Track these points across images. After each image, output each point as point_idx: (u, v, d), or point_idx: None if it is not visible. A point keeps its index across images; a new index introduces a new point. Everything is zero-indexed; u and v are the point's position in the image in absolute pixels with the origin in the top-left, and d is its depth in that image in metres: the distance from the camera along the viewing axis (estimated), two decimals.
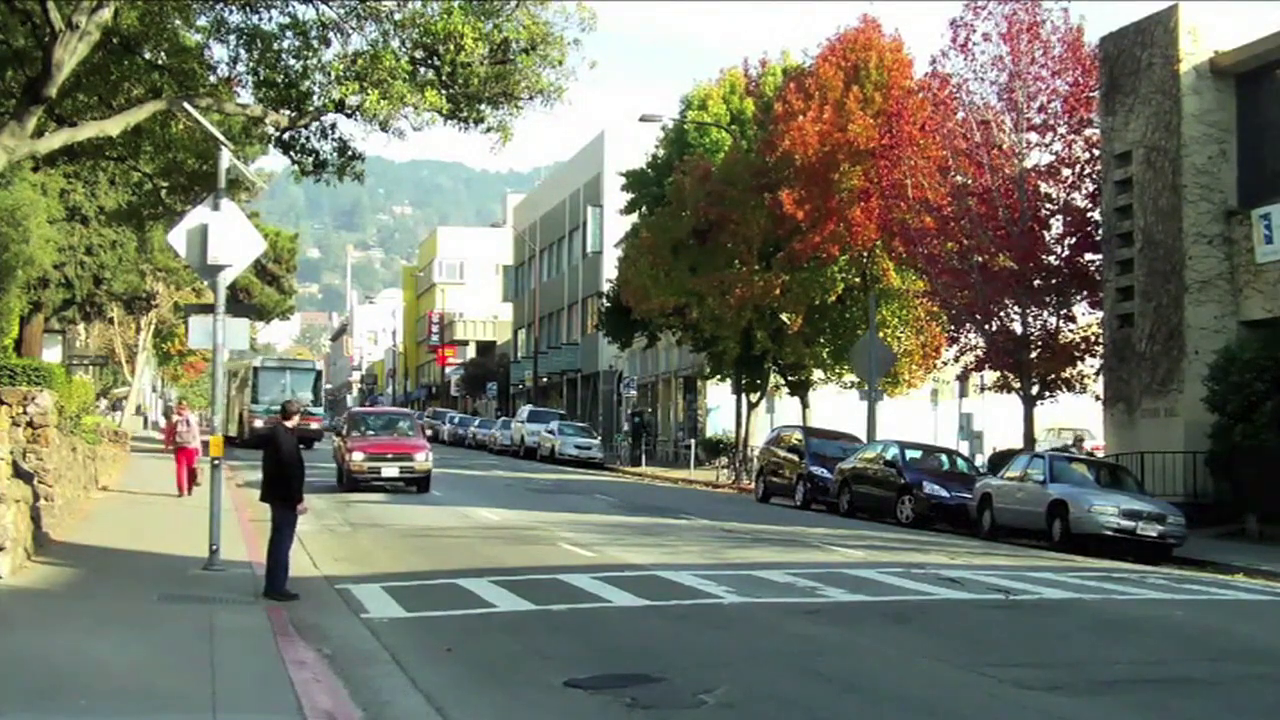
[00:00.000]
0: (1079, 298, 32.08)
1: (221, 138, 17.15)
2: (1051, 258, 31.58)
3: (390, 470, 30.05)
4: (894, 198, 34.17)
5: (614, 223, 62.24)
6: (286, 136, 19.22)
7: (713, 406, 55.86)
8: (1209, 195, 27.91)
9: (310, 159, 19.44)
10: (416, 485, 30.46)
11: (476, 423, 71.44)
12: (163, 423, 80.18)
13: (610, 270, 57.47)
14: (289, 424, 15.06)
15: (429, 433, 52.60)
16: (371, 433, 31.67)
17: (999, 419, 41.46)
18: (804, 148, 37.97)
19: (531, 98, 18.06)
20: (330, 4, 17.93)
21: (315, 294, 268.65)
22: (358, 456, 29.85)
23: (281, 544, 14.40)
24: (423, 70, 17.62)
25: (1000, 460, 31.29)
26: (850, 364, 39.61)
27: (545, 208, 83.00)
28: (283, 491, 14.56)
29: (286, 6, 18.27)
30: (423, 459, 30.42)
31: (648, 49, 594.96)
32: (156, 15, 18.28)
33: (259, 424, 47.54)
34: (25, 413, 17.08)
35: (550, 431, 55.17)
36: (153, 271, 50.03)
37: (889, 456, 29.94)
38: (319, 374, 55.06)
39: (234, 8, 18.40)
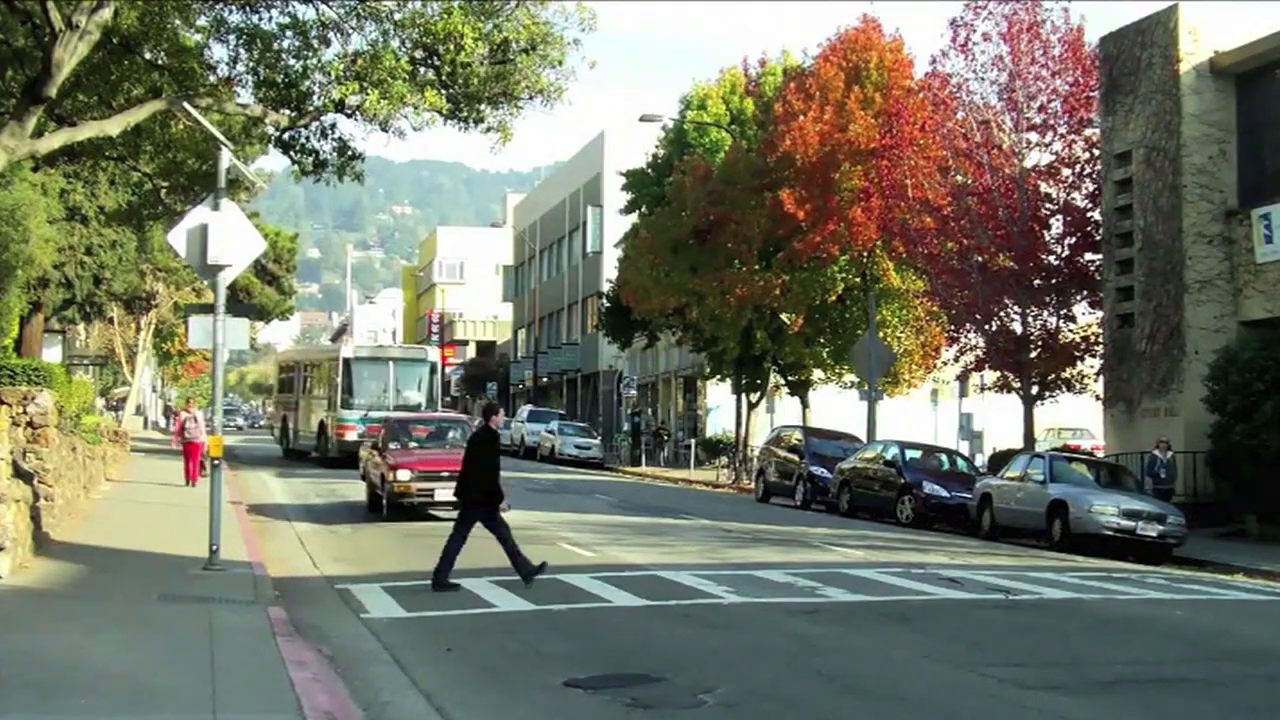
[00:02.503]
0: (1079, 298, 32.10)
1: (221, 138, 17.15)
2: (1051, 258, 31.60)
3: (446, 492, 23.27)
4: (894, 198, 34.18)
5: (614, 223, 62.25)
6: (286, 136, 19.24)
7: (713, 406, 55.87)
8: (1209, 195, 27.92)
9: (310, 159, 19.45)
10: None
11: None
12: (163, 422, 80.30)
13: (610, 270, 57.49)
14: (493, 424, 16.31)
15: None
16: (415, 444, 25.50)
17: (999, 419, 41.46)
18: (804, 148, 37.98)
19: (531, 98, 18.09)
20: (330, 4, 17.95)
21: (315, 294, 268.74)
22: (403, 475, 23.61)
23: (507, 539, 15.75)
24: (423, 70, 17.64)
25: (1000, 460, 31.29)
26: (850, 364, 39.63)
27: (545, 208, 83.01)
28: (491, 491, 15.86)
29: (286, 6, 18.30)
30: None
31: (648, 49, 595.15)
32: (156, 15, 18.28)
33: (351, 436, 37.00)
34: (25, 413, 17.07)
35: (550, 431, 55.13)
36: (153, 271, 50.10)
37: (889, 456, 29.95)
38: (434, 366, 41.05)
39: (234, 8, 18.42)
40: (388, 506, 24.00)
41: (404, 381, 39.71)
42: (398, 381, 39.50)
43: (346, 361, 39.35)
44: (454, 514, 23.95)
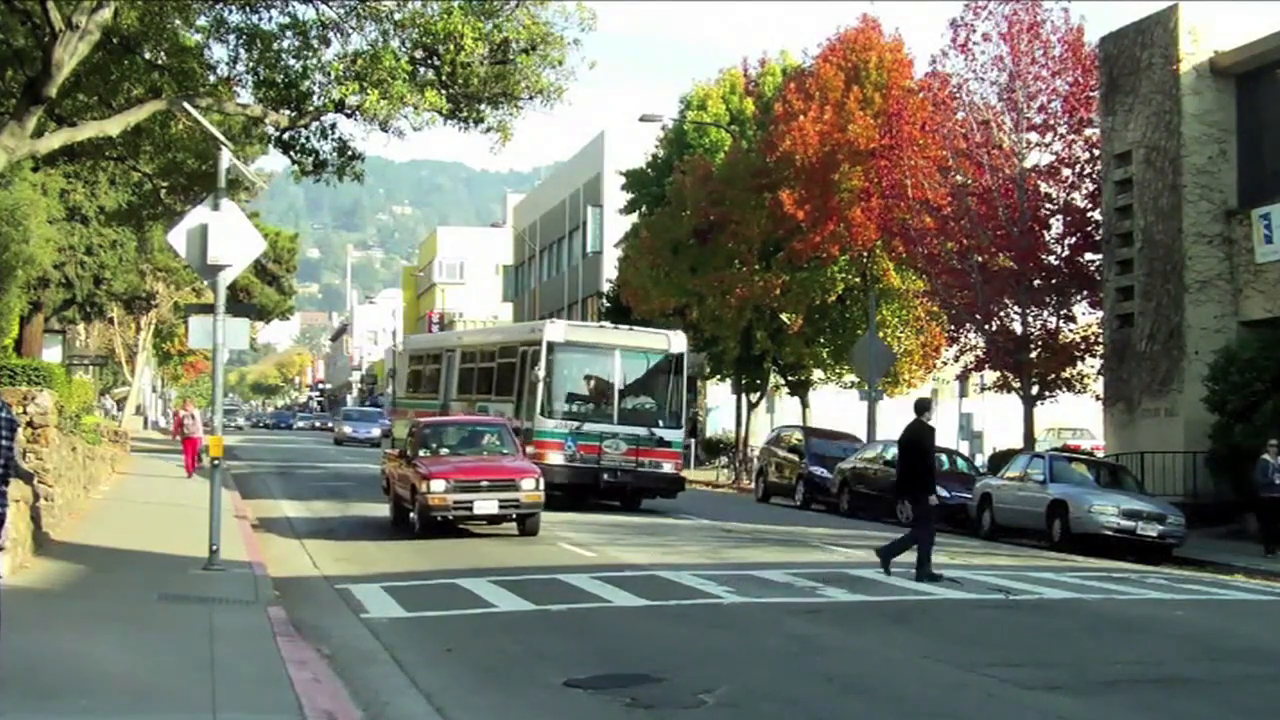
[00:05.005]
0: (1079, 298, 32.12)
1: (221, 138, 17.15)
2: (1051, 258, 31.61)
3: (486, 505, 21.14)
4: (894, 198, 34.19)
5: (614, 223, 62.20)
6: (286, 136, 19.25)
7: (713, 406, 55.85)
8: (1209, 195, 27.92)
9: (310, 159, 19.46)
10: (521, 524, 21.75)
11: None
12: (162, 422, 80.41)
13: (610, 270, 57.48)
14: (924, 418, 16.95)
15: None
16: (447, 450, 22.54)
17: (999, 419, 41.48)
18: (804, 148, 38.00)
19: (531, 98, 18.11)
20: (330, 4, 17.97)
21: (315, 294, 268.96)
22: (438, 486, 20.74)
23: (924, 535, 16.54)
24: (423, 70, 17.66)
25: (1000, 460, 31.29)
26: (850, 364, 39.64)
27: (545, 208, 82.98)
28: (926, 486, 16.78)
29: (286, 6, 18.32)
30: (531, 487, 21.25)
31: (648, 49, 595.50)
32: (156, 15, 18.29)
33: (556, 458, 26.52)
34: (25, 413, 17.06)
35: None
36: (153, 271, 50.09)
37: (889, 456, 29.88)
38: (677, 361, 28.76)
39: (234, 7, 18.43)
40: (420, 523, 21.20)
41: (634, 380, 28.55)
42: (625, 380, 28.32)
43: (551, 348, 27.54)
44: (489, 529, 22.16)
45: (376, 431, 62.00)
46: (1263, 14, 27.88)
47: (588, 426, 26.93)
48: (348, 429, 67.64)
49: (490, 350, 31.97)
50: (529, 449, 25.65)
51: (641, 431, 27.28)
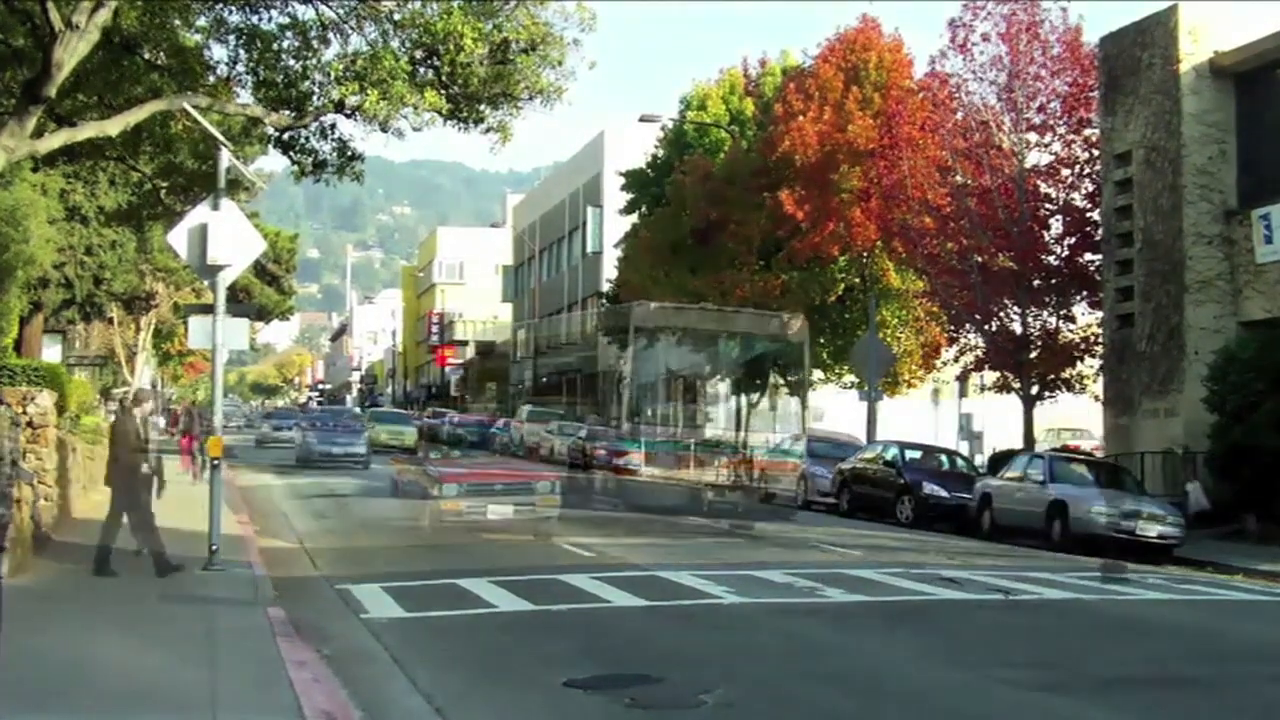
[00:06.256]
0: (1079, 298, 32.15)
1: (221, 138, 17.14)
2: (1051, 258, 31.64)
3: (501, 509, 20.11)
4: (893, 198, 34.21)
5: (614, 223, 62.19)
6: (286, 137, 19.23)
7: None
8: (1209, 195, 27.92)
9: (310, 159, 19.44)
10: (535, 529, 20.75)
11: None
12: (162, 422, 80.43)
13: (610, 270, 57.49)
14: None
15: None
16: (459, 453, 21.77)
17: (999, 419, 41.48)
18: (804, 148, 38.05)
19: (531, 98, 18.09)
20: (330, 4, 17.96)
21: (315, 294, 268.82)
22: (450, 490, 19.94)
23: None
24: (422, 70, 17.64)
25: (1000, 460, 31.29)
26: (850, 364, 39.64)
27: (545, 208, 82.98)
28: None
29: (286, 6, 18.30)
30: (547, 490, 20.27)
31: (648, 49, 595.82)
32: (156, 15, 18.28)
33: (649, 473, 22.49)
34: (25, 413, 17.06)
35: (550, 431, 55.00)
36: (152, 271, 50.05)
37: (889, 457, 29.95)
38: (795, 351, 24.47)
39: (233, 8, 18.42)
40: (431, 527, 20.60)
41: (742, 375, 23.98)
42: (731, 375, 23.90)
43: (639, 336, 22.43)
44: (502, 535, 20.89)
45: (414, 436, 58.68)
46: (1262, 14, 27.87)
47: (685, 433, 22.57)
48: (384, 435, 64.22)
49: (563, 343, 26.42)
50: (616, 461, 22.41)
51: (752, 439, 22.95)
